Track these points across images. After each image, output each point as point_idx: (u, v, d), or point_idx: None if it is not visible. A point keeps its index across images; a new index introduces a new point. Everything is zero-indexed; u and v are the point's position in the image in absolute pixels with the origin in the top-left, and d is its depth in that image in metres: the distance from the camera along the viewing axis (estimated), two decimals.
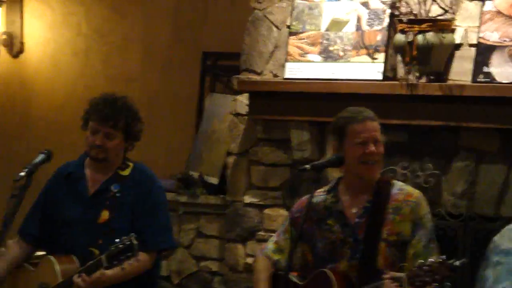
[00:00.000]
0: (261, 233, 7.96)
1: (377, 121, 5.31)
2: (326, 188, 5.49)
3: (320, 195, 5.43)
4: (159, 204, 6.41)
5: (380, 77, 7.34)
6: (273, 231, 6.50)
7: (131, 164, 6.39)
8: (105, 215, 6.11)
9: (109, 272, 5.79)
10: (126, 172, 6.36)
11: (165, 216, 6.47)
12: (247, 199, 8.19)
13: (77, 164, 6.36)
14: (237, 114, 8.28)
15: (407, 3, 7.38)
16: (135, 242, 5.54)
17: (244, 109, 8.24)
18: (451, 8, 7.25)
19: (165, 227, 6.43)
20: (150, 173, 6.53)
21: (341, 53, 7.61)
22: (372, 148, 5.10)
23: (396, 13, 7.38)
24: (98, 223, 6.08)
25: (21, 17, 10.52)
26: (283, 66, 7.90)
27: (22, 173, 5.54)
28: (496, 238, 3.80)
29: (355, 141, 5.18)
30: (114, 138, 6.14)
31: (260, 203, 8.09)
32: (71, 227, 6.21)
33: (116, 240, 5.59)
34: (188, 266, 8.55)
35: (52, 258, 6.09)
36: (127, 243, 5.56)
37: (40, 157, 5.76)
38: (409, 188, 5.08)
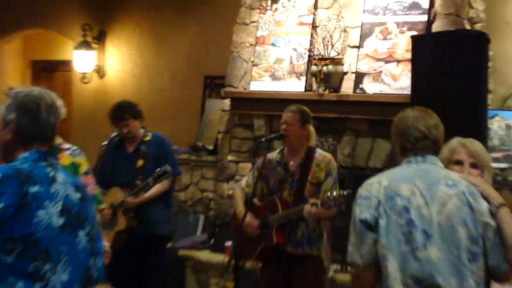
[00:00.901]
0: (237, 177, 8.98)
1: (294, 113, 6.26)
2: (277, 151, 6.49)
3: (273, 154, 6.46)
4: (169, 152, 7.69)
5: (303, 89, 8.45)
6: (244, 175, 7.42)
7: (150, 133, 7.63)
8: (140, 162, 7.41)
9: (146, 194, 7.20)
10: (148, 138, 7.56)
11: (173, 158, 7.74)
12: (229, 157, 9.22)
13: (118, 139, 7.51)
14: (224, 110, 9.37)
15: (317, 49, 8.32)
16: (168, 168, 6.90)
17: (227, 107, 9.27)
18: (341, 51, 8.24)
19: (174, 164, 7.57)
20: (162, 137, 7.76)
21: (282, 76, 8.66)
22: (284, 127, 6.14)
23: (311, 54, 8.43)
24: (137, 168, 7.40)
25: (104, 56, 11.63)
26: (249, 83, 8.99)
27: (105, 142, 7.32)
28: (360, 188, 4.02)
29: (281, 123, 6.26)
30: (130, 124, 7.38)
31: (237, 160, 9.20)
32: (122, 172, 7.50)
33: (156, 169, 6.99)
34: (196, 195, 9.63)
35: (116, 188, 7.34)
36: (165, 169, 6.92)
37: (114, 134, 7.33)
38: (324, 153, 6.09)
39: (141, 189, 7.13)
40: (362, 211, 3.83)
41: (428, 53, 5.87)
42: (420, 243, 3.66)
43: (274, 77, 8.72)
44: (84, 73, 11.53)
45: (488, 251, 3.65)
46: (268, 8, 8.87)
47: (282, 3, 8.75)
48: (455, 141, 4.16)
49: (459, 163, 4.08)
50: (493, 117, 7.79)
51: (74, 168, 5.52)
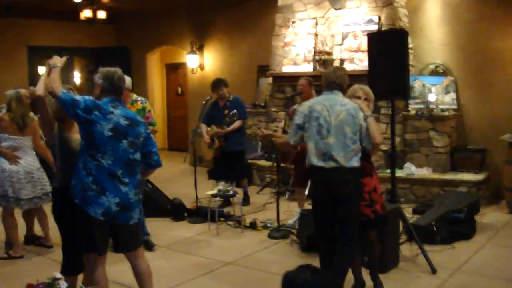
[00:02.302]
0: (277, 120, 9.10)
1: (305, 80, 6.57)
2: (297, 103, 6.40)
3: (295, 105, 6.53)
4: (242, 106, 7.76)
5: (311, 70, 8.69)
6: (281, 119, 8.06)
7: (232, 96, 7.77)
8: (226, 111, 7.62)
9: (229, 128, 7.50)
10: (231, 98, 7.75)
11: (244, 109, 7.83)
12: (273, 109, 9.40)
13: (216, 100, 7.78)
14: (268, 83, 9.65)
15: (318, 47, 8.69)
16: (235, 112, 7.37)
17: (270, 82, 9.52)
18: (331, 48, 8.60)
19: (244, 112, 7.84)
20: (238, 97, 7.83)
21: (299, 63, 9.01)
22: (300, 88, 6.58)
23: (315, 50, 8.79)
24: (224, 114, 7.59)
25: (203, 57, 11.96)
26: (282, 68, 9.24)
27: (203, 101, 7.62)
28: (298, 107, 4.45)
29: (297, 86, 6.64)
30: (222, 90, 7.67)
31: (276, 110, 9.30)
32: (216, 116, 7.69)
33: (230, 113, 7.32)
34: (256, 131, 9.45)
35: (213, 125, 7.61)
36: (234, 113, 7.35)
37: (207, 98, 7.53)
38: None
39: (226, 125, 7.57)
40: (296, 119, 4.31)
41: (376, 44, 5.76)
42: (324, 135, 4.12)
43: (295, 63, 9.07)
44: (193, 68, 12.10)
45: (362, 139, 4.13)
46: (290, 26, 9.31)
47: (298, 23, 9.24)
48: (356, 86, 4.45)
49: (359, 97, 4.34)
50: (415, 80, 8.35)
51: (143, 109, 5.75)
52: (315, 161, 4.13)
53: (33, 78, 10.58)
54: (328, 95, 4.25)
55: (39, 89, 3.80)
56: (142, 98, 5.86)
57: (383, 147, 7.50)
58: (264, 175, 9.29)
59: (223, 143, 7.61)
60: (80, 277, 4.06)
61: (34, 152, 5.84)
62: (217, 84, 7.72)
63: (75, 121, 3.71)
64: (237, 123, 7.59)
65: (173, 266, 5.44)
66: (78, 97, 3.67)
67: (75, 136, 3.92)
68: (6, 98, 5.65)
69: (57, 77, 3.69)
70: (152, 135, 4.05)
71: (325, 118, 4.12)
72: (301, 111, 4.28)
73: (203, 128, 7.79)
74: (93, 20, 10.72)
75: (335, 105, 4.12)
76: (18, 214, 5.93)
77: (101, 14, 10.72)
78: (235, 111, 7.42)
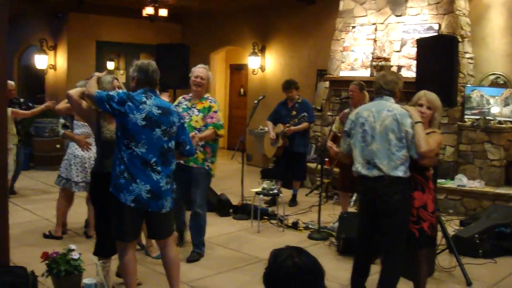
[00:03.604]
0: (332, 124, 8.58)
1: (355, 85, 6.50)
2: (348, 108, 6.47)
3: (346, 110, 6.55)
4: (309, 108, 7.92)
5: (368, 75, 8.64)
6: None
7: (301, 98, 8.02)
8: (293, 112, 7.85)
9: (294, 128, 7.66)
10: (300, 100, 7.97)
11: (311, 112, 7.96)
12: (328, 113, 9.33)
13: (284, 99, 8.00)
14: (325, 87, 9.62)
15: (376, 53, 8.63)
16: (305, 115, 7.56)
17: (327, 85, 9.48)
18: (389, 54, 8.52)
19: (311, 115, 7.95)
20: (306, 100, 8.06)
21: (357, 68, 8.98)
22: (350, 93, 6.42)
23: (373, 55, 8.75)
24: (291, 115, 7.81)
25: (264, 59, 12.15)
26: (339, 72, 9.27)
27: (255, 101, 7.68)
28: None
29: (349, 91, 6.59)
30: (292, 91, 7.89)
31: (331, 114, 9.15)
32: (284, 116, 7.93)
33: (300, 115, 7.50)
34: (311, 134, 9.18)
35: (280, 124, 7.83)
36: (304, 115, 7.54)
37: (260, 97, 7.71)
38: None
39: (292, 125, 7.73)
40: (345, 126, 4.31)
41: (425, 50, 5.67)
42: (369, 141, 4.03)
43: (352, 68, 9.09)
44: (254, 69, 12.29)
45: (409, 147, 3.93)
46: (350, 31, 9.34)
47: (357, 28, 9.24)
48: (422, 92, 4.24)
49: (421, 105, 4.15)
50: (473, 90, 8.15)
51: (209, 107, 5.54)
52: (360, 169, 4.04)
53: (100, 71, 10.70)
54: (377, 101, 4.15)
55: (90, 88, 4.00)
56: (213, 99, 5.72)
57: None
58: (315, 178, 9.29)
59: (286, 142, 7.77)
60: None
61: None
62: (288, 85, 7.93)
63: (111, 114, 3.92)
64: (303, 125, 7.75)
65: (209, 258, 5.58)
66: (112, 92, 3.87)
67: (110, 127, 4.17)
68: None
69: (93, 83, 3.97)
70: (185, 125, 4.18)
71: (371, 124, 4.03)
72: (350, 118, 4.24)
73: (269, 125, 7.97)
74: (154, 17, 11.02)
75: (381, 111, 4.02)
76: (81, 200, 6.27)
77: (163, 12, 11.00)
78: (305, 113, 7.59)
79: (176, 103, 5.75)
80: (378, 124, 3.98)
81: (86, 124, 5.65)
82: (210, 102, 5.56)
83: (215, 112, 5.52)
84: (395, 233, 3.93)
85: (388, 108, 3.98)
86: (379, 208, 3.92)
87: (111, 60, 13.13)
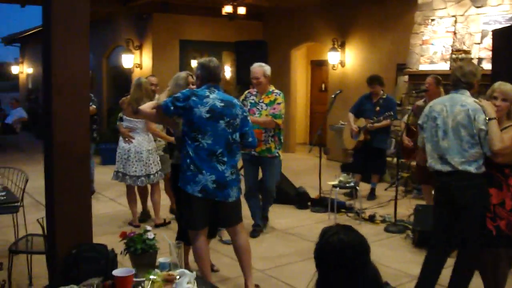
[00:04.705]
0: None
1: (431, 78, 6.46)
2: (423, 99, 6.62)
3: (420, 102, 6.55)
4: (393, 105, 7.84)
5: (448, 68, 8.26)
6: None
7: (386, 94, 7.90)
8: (377, 108, 7.83)
9: (377, 124, 7.64)
10: (385, 96, 7.86)
11: (395, 109, 7.78)
12: (407, 107, 8.79)
13: (368, 94, 7.93)
14: (405, 81, 9.47)
15: (456, 45, 8.45)
16: (391, 113, 7.45)
17: (407, 79, 9.31)
18: (469, 46, 8.31)
19: (395, 112, 7.75)
20: (391, 97, 7.89)
21: (436, 61, 8.76)
22: (426, 86, 6.43)
23: (453, 48, 8.53)
24: (375, 110, 7.76)
25: (344, 53, 11.90)
26: (418, 66, 9.08)
27: (332, 96, 7.68)
28: None
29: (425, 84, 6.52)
30: (376, 87, 7.86)
31: (410, 108, 7.78)
32: (367, 111, 7.84)
33: (385, 113, 7.45)
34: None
35: (362, 118, 7.81)
36: (390, 113, 7.50)
37: (337, 91, 7.54)
38: None
39: (376, 121, 7.73)
40: (419, 119, 4.27)
41: (501, 41, 5.57)
42: (440, 137, 3.97)
43: (431, 62, 8.94)
44: (333, 65, 12.25)
45: (482, 144, 3.81)
46: (429, 24, 9.19)
47: (437, 21, 9.09)
48: (496, 84, 4.02)
49: (495, 98, 3.93)
50: None
51: (274, 100, 5.91)
52: (433, 163, 4.02)
53: (183, 69, 11.15)
54: (452, 94, 4.04)
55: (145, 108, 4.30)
56: (279, 91, 6.07)
57: None
58: (395, 173, 9.13)
59: (368, 137, 7.81)
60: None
61: (149, 134, 6.34)
62: (372, 80, 7.94)
63: (178, 115, 4.08)
64: (386, 122, 7.75)
65: (282, 248, 5.77)
66: (176, 94, 4.08)
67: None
68: None
69: (149, 105, 4.29)
70: (249, 118, 4.32)
71: (444, 119, 3.96)
72: (424, 112, 4.19)
73: (351, 117, 8.02)
74: (233, 16, 11.28)
75: (455, 106, 3.91)
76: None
77: (241, 10, 11.23)
78: (391, 112, 7.60)
79: (243, 97, 6.12)
80: (450, 119, 3.92)
81: (131, 119, 6.14)
82: (276, 95, 5.98)
83: (279, 104, 5.91)
84: (470, 227, 3.87)
85: (461, 103, 3.88)
86: (454, 202, 3.88)
87: (194, 58, 13.51)
